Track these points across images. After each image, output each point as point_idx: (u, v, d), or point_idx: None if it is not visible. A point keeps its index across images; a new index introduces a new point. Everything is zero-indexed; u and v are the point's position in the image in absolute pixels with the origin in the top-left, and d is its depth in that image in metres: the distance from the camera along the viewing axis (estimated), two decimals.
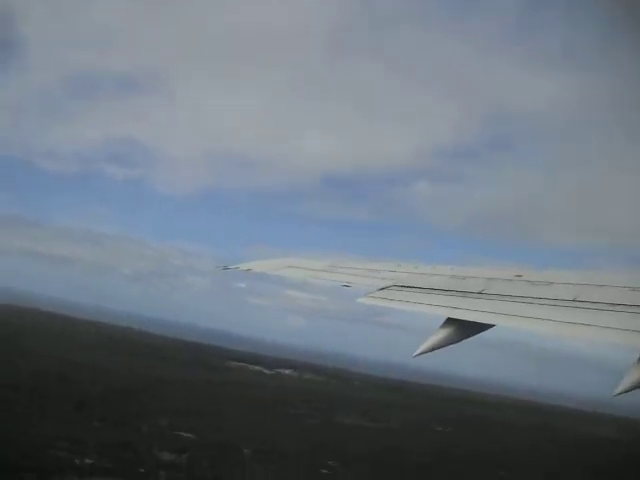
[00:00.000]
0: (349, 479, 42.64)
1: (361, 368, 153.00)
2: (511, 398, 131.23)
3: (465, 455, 56.42)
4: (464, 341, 6.59)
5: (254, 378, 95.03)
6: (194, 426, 51.23)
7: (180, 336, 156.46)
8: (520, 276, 6.97)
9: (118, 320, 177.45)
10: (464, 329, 6.42)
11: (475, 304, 6.60)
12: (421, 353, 6.41)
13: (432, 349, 6.42)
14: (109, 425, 47.61)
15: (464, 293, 6.93)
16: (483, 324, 6.32)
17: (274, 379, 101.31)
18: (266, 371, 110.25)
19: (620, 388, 4.94)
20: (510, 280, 6.94)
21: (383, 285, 7.80)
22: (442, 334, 6.42)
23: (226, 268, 11.37)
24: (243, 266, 10.90)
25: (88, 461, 37.86)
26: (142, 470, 38.08)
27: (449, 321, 6.50)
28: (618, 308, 5.52)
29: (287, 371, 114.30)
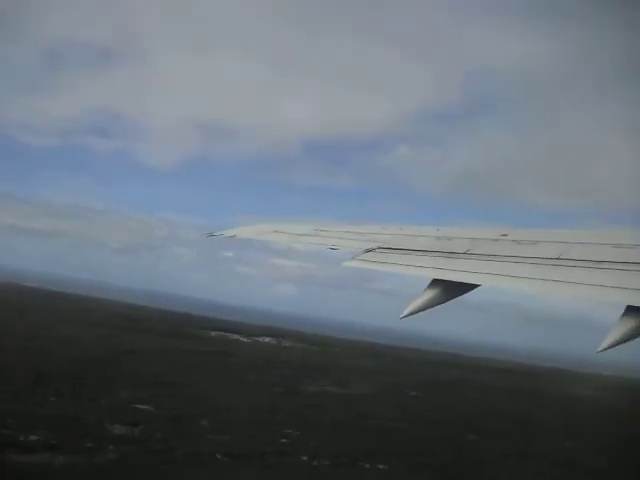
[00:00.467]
0: (310, 447, 42.82)
1: (346, 334, 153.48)
2: (496, 360, 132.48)
3: (440, 420, 56.63)
4: (453, 304, 6.62)
5: (229, 347, 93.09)
6: (153, 398, 50.36)
7: (166, 307, 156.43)
8: (505, 235, 6.98)
9: (102, 293, 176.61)
10: (450, 289, 6.44)
11: (461, 264, 6.61)
12: (408, 314, 6.42)
13: (419, 310, 6.43)
14: (66, 400, 46.20)
15: (450, 254, 6.93)
16: (469, 284, 6.35)
17: (249, 347, 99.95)
18: (244, 339, 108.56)
19: (604, 344, 4.98)
20: (495, 240, 6.95)
21: (369, 247, 7.81)
22: (428, 295, 6.43)
23: (211, 235, 11.36)
24: (228, 232, 10.88)
25: (33, 437, 36.80)
26: (89, 445, 37.50)
27: (435, 282, 6.51)
28: (603, 265, 5.55)
29: (266, 339, 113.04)
